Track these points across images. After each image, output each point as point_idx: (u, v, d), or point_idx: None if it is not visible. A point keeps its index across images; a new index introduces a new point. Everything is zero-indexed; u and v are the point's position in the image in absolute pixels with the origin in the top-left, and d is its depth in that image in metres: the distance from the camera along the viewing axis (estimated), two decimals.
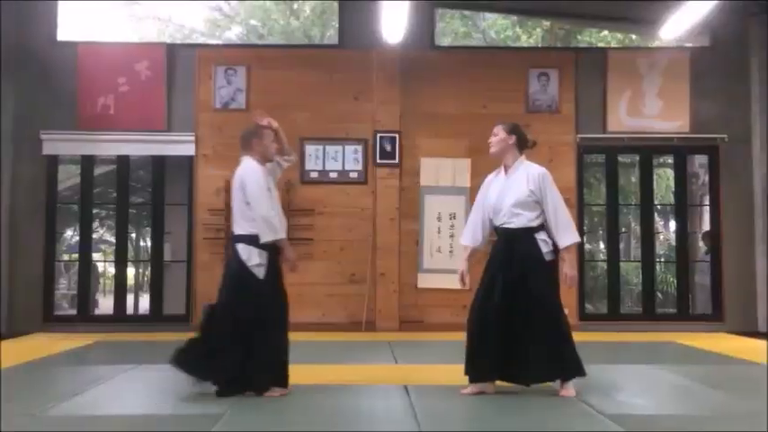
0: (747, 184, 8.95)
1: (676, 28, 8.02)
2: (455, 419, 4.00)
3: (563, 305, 4.60)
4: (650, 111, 8.97)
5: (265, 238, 4.51)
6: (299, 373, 5.48)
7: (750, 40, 8.96)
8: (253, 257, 4.55)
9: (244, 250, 4.56)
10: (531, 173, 4.65)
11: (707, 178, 9.68)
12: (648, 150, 9.30)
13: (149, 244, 10.05)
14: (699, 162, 10.77)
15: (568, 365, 4.41)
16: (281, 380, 4.53)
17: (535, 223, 4.57)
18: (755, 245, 8.84)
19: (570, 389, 4.42)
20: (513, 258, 4.49)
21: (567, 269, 4.53)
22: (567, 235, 4.51)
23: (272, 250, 4.62)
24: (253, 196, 4.55)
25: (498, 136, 4.78)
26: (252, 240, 4.53)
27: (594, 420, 3.89)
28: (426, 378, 5.26)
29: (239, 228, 4.63)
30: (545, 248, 4.52)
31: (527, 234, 4.53)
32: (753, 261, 8.84)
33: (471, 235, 4.79)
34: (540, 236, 4.54)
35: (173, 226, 9.50)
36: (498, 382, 4.53)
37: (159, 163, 9.09)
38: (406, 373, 5.55)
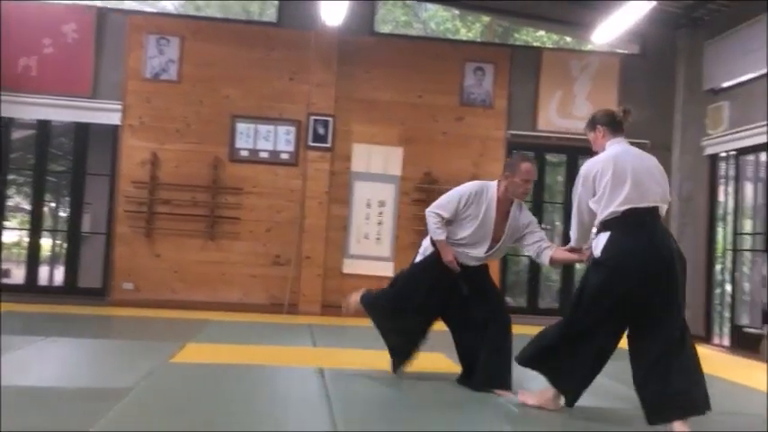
0: None
1: (608, 33, 8.23)
2: (367, 402, 4.02)
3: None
4: (579, 112, 9.18)
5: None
6: (214, 352, 5.42)
7: (677, 50, 9.30)
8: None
9: None
10: None
11: None
12: (575, 151, 9.50)
13: (68, 214, 9.69)
14: None
15: None
16: None
17: None
18: None
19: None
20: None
21: None
22: None
23: None
24: None
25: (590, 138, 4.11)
26: None
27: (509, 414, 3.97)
28: (343, 362, 5.26)
29: None
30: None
31: None
32: None
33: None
34: None
35: (93, 197, 9.18)
36: None
37: (83, 130, 8.77)
38: (323, 356, 5.55)
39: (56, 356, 4.99)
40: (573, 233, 3.98)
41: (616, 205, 3.68)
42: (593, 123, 4.06)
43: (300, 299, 8.58)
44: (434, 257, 4.46)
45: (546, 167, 10.00)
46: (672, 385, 3.54)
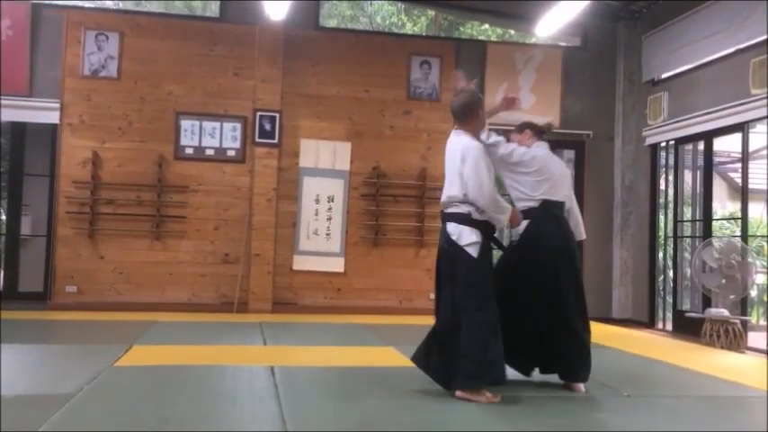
0: (608, 179, 9.50)
1: (551, 26, 8.35)
2: (317, 400, 3.99)
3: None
4: (524, 105, 9.28)
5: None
6: (161, 353, 5.32)
7: (618, 43, 9.50)
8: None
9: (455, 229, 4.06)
10: None
11: (574, 172, 10.18)
12: None
13: (5, 217, 9.38)
14: (567, 156, 11.30)
15: None
16: None
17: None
18: (613, 237, 9.42)
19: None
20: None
21: None
22: None
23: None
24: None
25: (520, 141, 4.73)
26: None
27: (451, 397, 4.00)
28: (294, 359, 5.23)
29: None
30: None
31: None
32: (610, 252, 9.41)
33: None
34: None
35: (32, 198, 8.89)
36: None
37: (19, 130, 8.49)
38: (273, 355, 5.51)
39: None
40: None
41: (537, 196, 4.43)
42: (521, 127, 4.82)
43: (250, 297, 8.49)
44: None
45: None
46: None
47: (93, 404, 3.67)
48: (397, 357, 5.21)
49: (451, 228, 4.06)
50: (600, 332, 7.59)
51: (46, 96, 8.29)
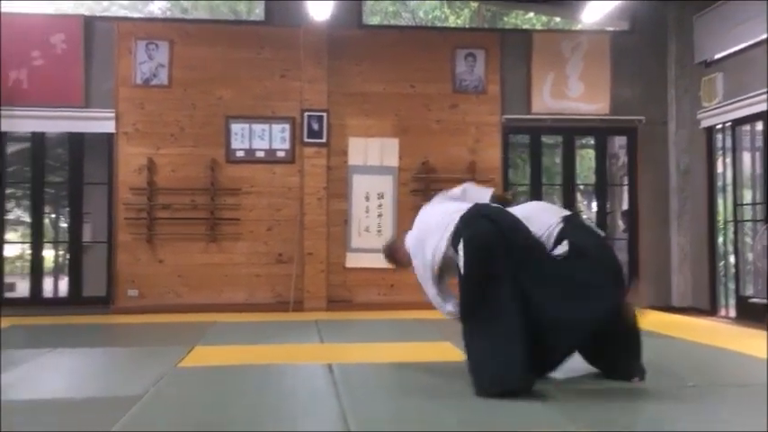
0: (663, 164, 9.29)
1: (597, 11, 8.19)
2: (376, 396, 4.02)
3: None
4: (573, 93, 9.18)
5: None
6: (222, 354, 5.44)
7: (668, 24, 9.26)
8: None
9: None
10: None
11: (626, 159, 10.00)
12: (571, 132, 9.52)
13: (68, 225, 9.70)
14: (619, 143, 11.11)
15: None
16: None
17: None
18: (670, 223, 9.21)
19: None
20: None
21: None
22: None
23: None
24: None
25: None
26: None
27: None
28: (351, 356, 5.27)
29: None
30: None
31: None
32: (667, 238, 9.20)
33: None
34: None
35: (92, 206, 9.17)
36: None
37: (77, 140, 8.76)
38: (331, 352, 5.56)
39: (64, 367, 5.01)
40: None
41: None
42: None
43: (305, 295, 8.59)
44: None
45: (543, 150, 10.00)
46: None
47: (160, 405, 3.78)
48: (454, 352, 5.19)
49: None
50: (660, 321, 7.46)
51: (101, 106, 8.53)
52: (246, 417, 3.51)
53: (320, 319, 7.70)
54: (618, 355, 4.26)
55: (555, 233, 4.32)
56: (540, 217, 4.46)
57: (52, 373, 4.80)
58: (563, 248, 4.19)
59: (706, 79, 8.75)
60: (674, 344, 5.84)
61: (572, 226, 4.40)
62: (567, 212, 4.57)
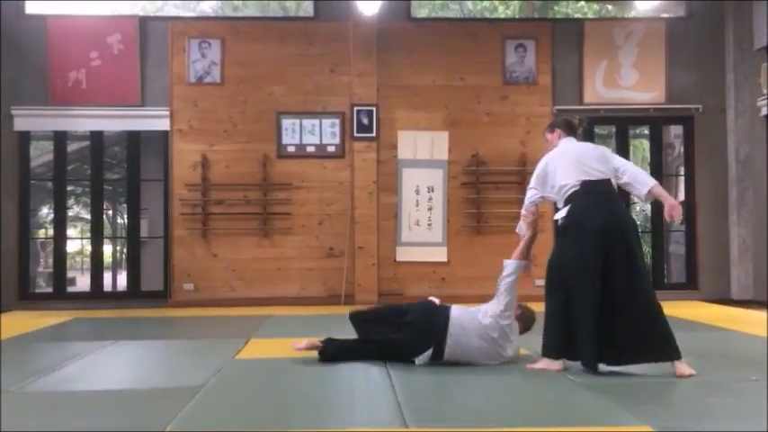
0: (722, 153, 9.05)
1: None
2: (431, 389, 4.03)
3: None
4: (626, 82, 9.01)
5: None
6: (277, 346, 5.51)
7: (725, 10, 9.00)
8: None
9: None
10: None
11: (682, 148, 9.77)
12: (625, 121, 9.35)
13: (126, 220, 9.97)
14: (674, 132, 10.86)
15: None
16: None
17: None
18: (729, 214, 8.97)
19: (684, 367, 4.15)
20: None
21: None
22: None
23: None
24: None
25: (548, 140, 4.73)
26: None
27: (571, 387, 3.95)
28: None
29: None
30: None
31: None
32: (726, 230, 8.97)
33: None
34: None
35: (149, 202, 9.43)
36: None
37: (134, 138, 8.99)
38: None
39: (126, 359, 5.15)
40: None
41: (573, 181, 4.26)
42: (552, 126, 4.72)
43: (356, 289, 8.65)
44: None
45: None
46: None
47: (220, 395, 3.86)
48: None
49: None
50: (720, 314, 7.29)
51: (156, 105, 8.74)
52: (304, 407, 3.56)
53: None
54: (650, 340, 4.13)
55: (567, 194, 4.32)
56: (580, 166, 4.34)
57: (116, 365, 4.94)
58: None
59: (766, 65, 8.47)
60: (734, 337, 5.69)
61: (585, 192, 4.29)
62: (598, 174, 4.31)
